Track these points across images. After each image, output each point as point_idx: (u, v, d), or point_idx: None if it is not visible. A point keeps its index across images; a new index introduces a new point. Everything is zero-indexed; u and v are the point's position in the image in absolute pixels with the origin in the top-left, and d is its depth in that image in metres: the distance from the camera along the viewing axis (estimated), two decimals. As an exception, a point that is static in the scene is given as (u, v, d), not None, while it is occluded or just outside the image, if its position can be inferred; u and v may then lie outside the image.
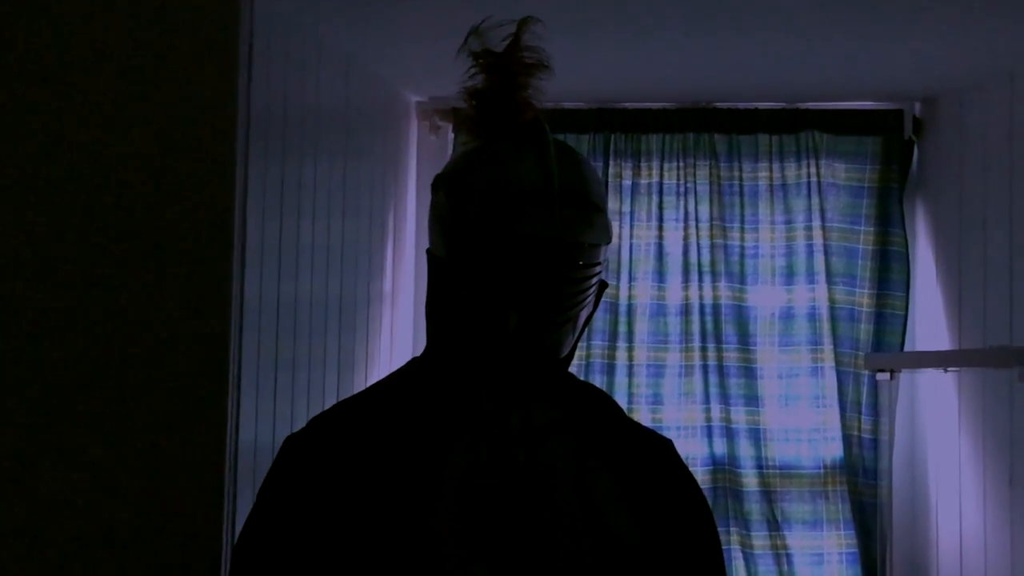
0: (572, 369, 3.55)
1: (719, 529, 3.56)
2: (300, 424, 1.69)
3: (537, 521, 1.50)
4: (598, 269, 1.59)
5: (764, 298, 3.78)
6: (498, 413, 1.55)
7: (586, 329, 1.70)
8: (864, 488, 3.68)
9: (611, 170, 3.82)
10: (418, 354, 1.71)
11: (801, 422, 3.73)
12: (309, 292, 2.83)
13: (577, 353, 3.60)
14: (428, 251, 1.65)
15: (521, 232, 1.50)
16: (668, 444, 1.72)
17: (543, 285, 1.51)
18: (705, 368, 3.75)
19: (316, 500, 1.51)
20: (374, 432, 1.54)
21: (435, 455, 1.50)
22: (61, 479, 2.16)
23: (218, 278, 2.24)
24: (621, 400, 3.72)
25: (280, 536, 1.51)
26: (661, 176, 3.81)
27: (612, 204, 3.81)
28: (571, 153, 1.63)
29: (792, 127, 3.78)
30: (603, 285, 1.65)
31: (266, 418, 2.49)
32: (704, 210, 3.79)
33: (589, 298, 1.60)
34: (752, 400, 3.74)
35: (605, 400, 1.73)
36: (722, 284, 3.77)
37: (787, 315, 3.77)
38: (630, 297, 3.79)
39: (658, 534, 1.60)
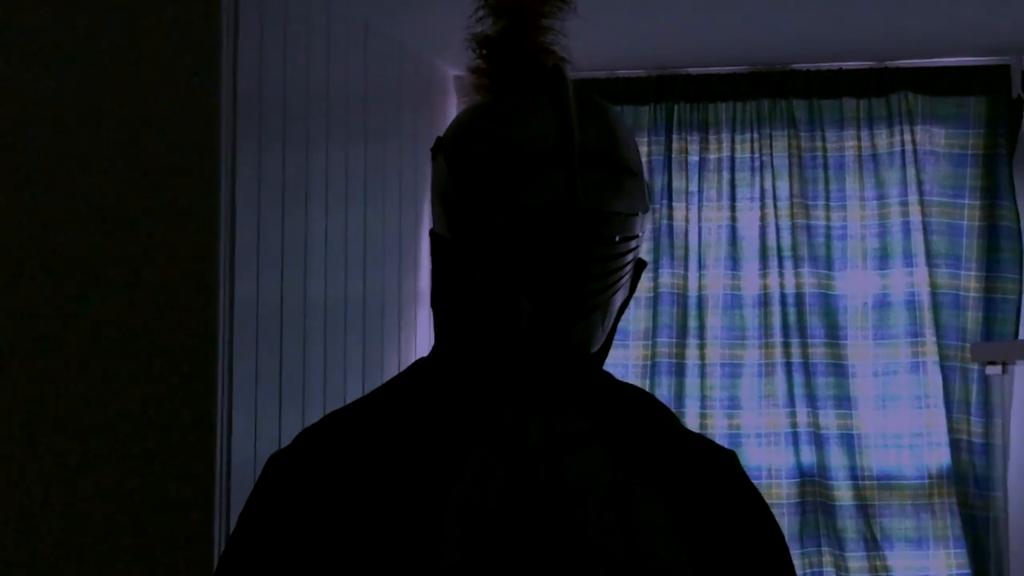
0: (635, 369, 3.69)
1: (809, 549, 3.56)
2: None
3: (565, 553, 1.35)
4: (633, 244, 1.41)
5: (855, 285, 3.63)
6: (513, 423, 1.40)
7: (620, 319, 1.53)
8: (975, 500, 3.51)
9: (675, 145, 3.70)
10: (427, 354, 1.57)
11: (901, 426, 3.57)
12: (322, 293, 2.67)
13: (641, 353, 3.70)
14: (431, 232, 1.50)
15: (532, 200, 1.34)
16: (730, 457, 1.56)
17: (562, 265, 1.34)
18: (788, 366, 3.61)
19: (301, 526, 1.38)
20: (369, 448, 1.41)
21: (439, 475, 1.36)
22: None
23: (201, 280, 2.16)
24: (692, 405, 3.62)
25: (260, 569, 1.39)
26: (733, 150, 3.69)
27: (678, 183, 3.69)
28: (597, 106, 1.44)
29: (882, 89, 3.63)
30: (640, 264, 1.49)
31: (269, 433, 2.35)
32: (783, 186, 3.65)
33: (623, 280, 1.43)
34: (844, 402, 3.58)
35: (652, 404, 1.57)
36: (805, 270, 3.62)
37: (882, 303, 3.61)
38: (700, 288, 3.67)
39: (717, 566, 1.44)
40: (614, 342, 3.67)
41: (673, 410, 3.49)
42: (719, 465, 1.53)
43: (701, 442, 1.57)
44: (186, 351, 2.13)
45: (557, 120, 1.36)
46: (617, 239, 1.38)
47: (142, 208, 2.14)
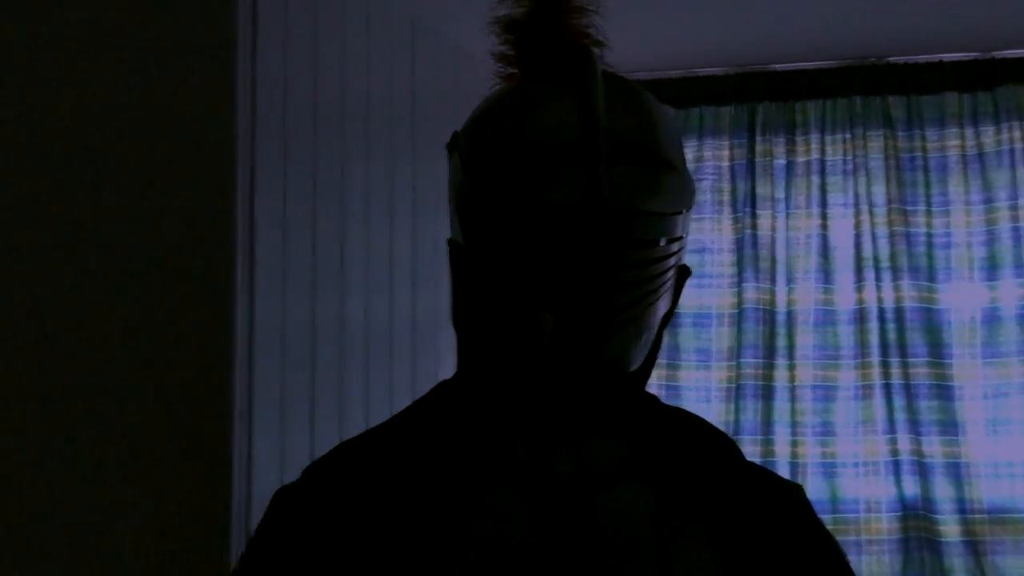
0: (717, 392, 3.62)
1: (911, 589, 3.41)
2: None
3: None
4: (674, 247, 1.33)
5: (960, 298, 3.54)
6: (539, 454, 1.32)
7: (663, 334, 1.43)
8: (1100, 535, 3.42)
9: (759, 148, 3.65)
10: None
11: (1014, 453, 3.46)
12: (362, 314, 2.57)
13: (724, 375, 3.60)
14: (448, 240, 1.43)
15: (551, 198, 1.25)
16: (795, 491, 1.47)
17: (587, 273, 1.26)
18: (888, 388, 3.53)
19: (306, 567, 1.33)
20: (381, 482, 1.35)
21: (456, 513, 1.29)
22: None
23: (214, 302, 2.09)
24: (782, 431, 3.55)
25: None
26: (823, 152, 3.63)
27: (762, 189, 3.66)
28: (631, 91, 1.35)
29: (988, 82, 3.55)
30: (684, 271, 1.41)
31: (298, 461, 2.28)
32: (879, 191, 3.57)
33: (663, 289, 1.34)
34: (950, 427, 3.49)
35: (705, 431, 1.47)
36: (905, 282, 3.54)
37: (991, 318, 3.52)
38: (789, 303, 3.60)
39: None
40: (697, 363, 3.57)
41: (760, 437, 3.49)
42: (782, 501, 1.43)
43: (763, 475, 1.46)
44: (198, 378, 2.06)
45: (581, 107, 1.27)
46: (658, 242, 1.29)
47: (147, 224, 2.06)
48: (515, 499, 1.29)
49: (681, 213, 1.32)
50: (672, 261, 1.32)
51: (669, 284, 1.35)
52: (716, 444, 1.45)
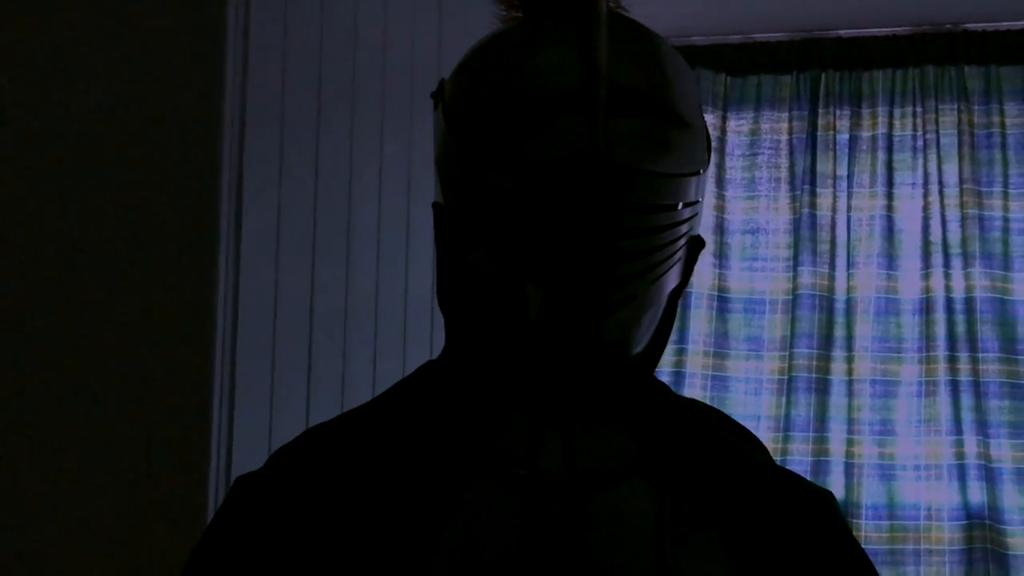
0: (768, 384, 3.48)
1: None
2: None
3: None
4: (687, 214, 1.23)
5: None
6: (526, 447, 1.25)
7: (675, 312, 1.35)
8: None
9: (821, 120, 3.60)
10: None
11: None
12: (372, 290, 2.51)
13: (776, 365, 3.50)
14: (433, 203, 1.36)
15: (539, 154, 1.17)
16: (824, 498, 1.38)
17: (581, 241, 1.18)
18: (954, 385, 3.49)
19: (259, 564, 1.28)
20: (350, 473, 1.29)
21: (429, 512, 1.23)
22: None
23: (197, 277, 2.03)
24: (837, 429, 3.51)
25: None
26: (890, 126, 3.58)
27: (823, 165, 3.62)
28: (643, 36, 1.27)
29: None
30: (696, 243, 1.31)
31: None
32: (951, 170, 3.53)
33: (671, 261, 1.25)
34: (1021, 429, 3.43)
35: (725, 426, 1.39)
36: (977, 270, 3.49)
37: None
38: (849, 289, 3.55)
39: None
40: (747, 352, 3.47)
41: (812, 434, 3.38)
42: (808, 508, 1.35)
43: (788, 478, 1.38)
44: (176, 360, 2.01)
45: (580, 51, 1.20)
46: (668, 207, 1.21)
47: (117, 199, 2.01)
48: (497, 498, 1.23)
49: (697, 174, 1.23)
50: (683, 229, 1.24)
51: (679, 256, 1.26)
52: (736, 441, 1.36)
